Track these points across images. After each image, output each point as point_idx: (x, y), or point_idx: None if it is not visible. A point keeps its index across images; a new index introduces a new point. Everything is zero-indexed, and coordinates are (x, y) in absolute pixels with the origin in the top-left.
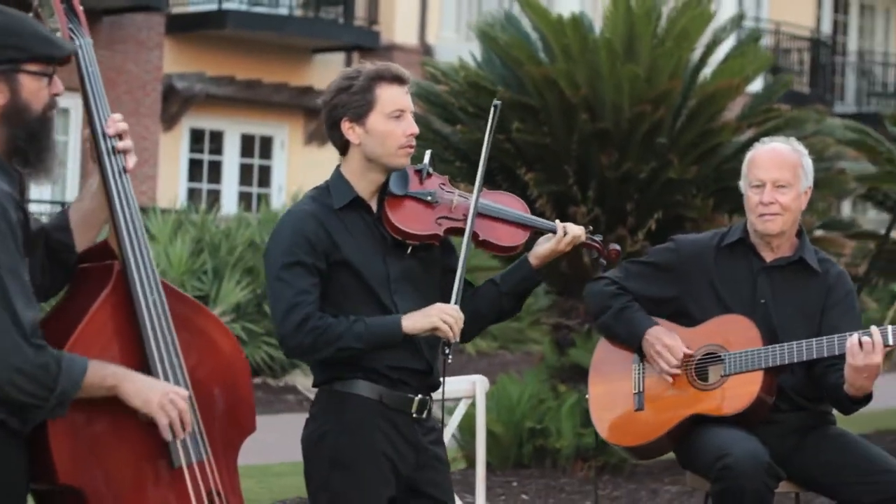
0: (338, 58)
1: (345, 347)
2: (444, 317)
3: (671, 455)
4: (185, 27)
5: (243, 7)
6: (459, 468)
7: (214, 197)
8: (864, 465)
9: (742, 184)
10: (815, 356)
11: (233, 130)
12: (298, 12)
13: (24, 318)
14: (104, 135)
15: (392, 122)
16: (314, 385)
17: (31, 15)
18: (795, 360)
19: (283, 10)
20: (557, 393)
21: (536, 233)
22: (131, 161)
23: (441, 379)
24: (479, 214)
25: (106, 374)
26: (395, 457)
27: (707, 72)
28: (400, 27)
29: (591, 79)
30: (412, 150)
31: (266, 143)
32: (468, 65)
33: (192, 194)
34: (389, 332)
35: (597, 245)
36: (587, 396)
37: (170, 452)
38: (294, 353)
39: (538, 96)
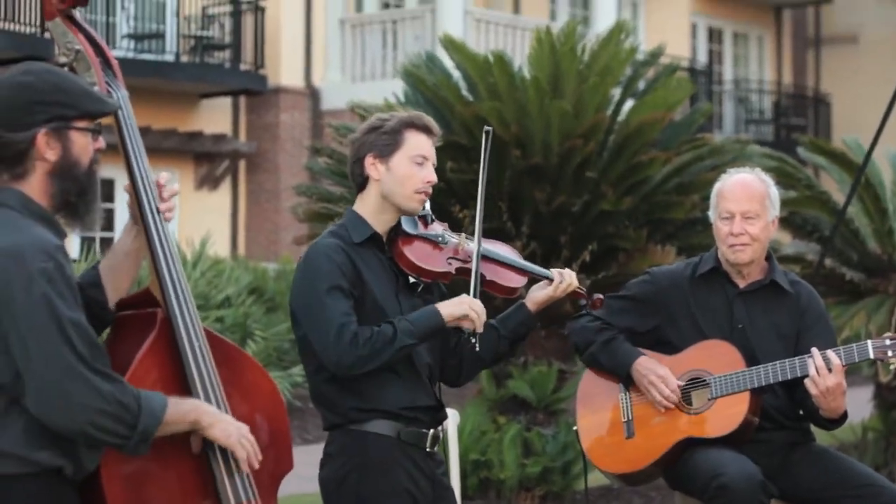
0: (225, 102)
1: (401, 347)
2: (474, 306)
3: (605, 481)
4: None
5: (130, 55)
6: None
7: (107, 245)
8: (849, 479)
9: (711, 214)
10: (798, 374)
11: (124, 178)
12: (185, 58)
13: (96, 361)
14: (144, 186)
15: (414, 166)
16: (327, 428)
17: (66, 69)
18: (780, 379)
19: (170, 57)
20: (498, 425)
21: (532, 280)
22: (170, 213)
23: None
24: (485, 258)
25: (187, 408)
26: (416, 492)
27: (628, 105)
28: (286, 71)
29: (519, 116)
30: (427, 198)
31: None
32: (397, 107)
33: (84, 243)
34: (433, 322)
35: (584, 294)
36: (575, 428)
37: (218, 493)
38: (353, 368)
39: (467, 135)
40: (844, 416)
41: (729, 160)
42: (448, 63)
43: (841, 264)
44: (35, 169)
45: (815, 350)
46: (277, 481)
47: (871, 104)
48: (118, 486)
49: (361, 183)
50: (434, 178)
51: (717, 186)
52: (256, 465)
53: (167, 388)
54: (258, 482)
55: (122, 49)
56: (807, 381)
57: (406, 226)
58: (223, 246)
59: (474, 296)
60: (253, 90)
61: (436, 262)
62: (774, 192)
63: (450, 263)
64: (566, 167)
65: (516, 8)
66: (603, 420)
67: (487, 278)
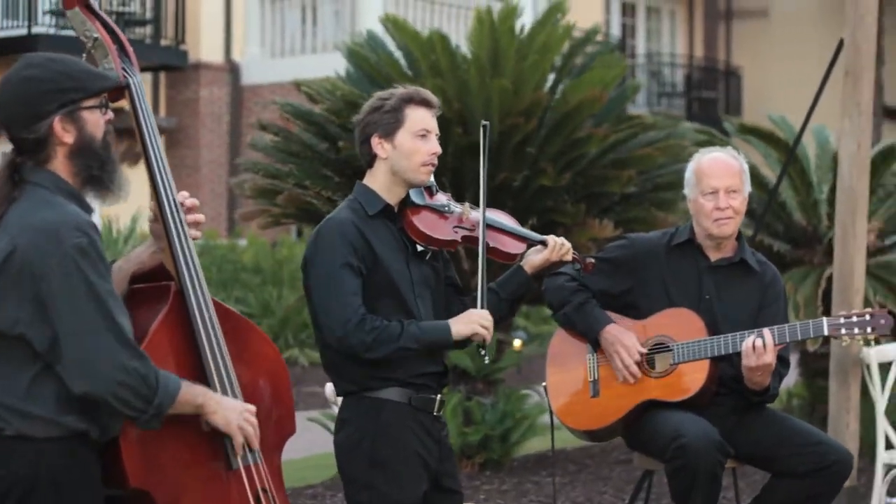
0: (146, 77)
1: (403, 347)
2: (483, 322)
3: (540, 448)
4: None
5: (52, 31)
6: None
7: None
8: (798, 438)
9: (689, 191)
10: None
11: None
12: None
13: (127, 333)
14: (156, 158)
15: (418, 140)
16: (341, 394)
17: (84, 56)
18: (736, 350)
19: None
20: None
21: (529, 245)
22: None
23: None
24: (488, 226)
25: (196, 392)
26: (426, 454)
27: (564, 82)
28: (206, 46)
29: (460, 94)
30: (433, 168)
31: None
32: (341, 84)
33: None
34: (442, 336)
35: (578, 258)
36: (544, 385)
37: (227, 455)
38: (353, 349)
39: None
40: (767, 391)
41: (662, 136)
42: (378, 38)
43: (767, 236)
44: (56, 153)
45: (766, 329)
46: (281, 444)
47: (781, 77)
48: (135, 449)
49: (369, 161)
50: (438, 148)
51: (693, 165)
52: (256, 447)
53: (179, 358)
54: (262, 445)
55: (43, 25)
56: (743, 354)
57: (414, 196)
58: (145, 221)
59: (483, 305)
60: (173, 65)
61: (443, 231)
62: (747, 168)
63: (456, 232)
64: (507, 144)
65: None
66: (571, 379)
67: (491, 246)
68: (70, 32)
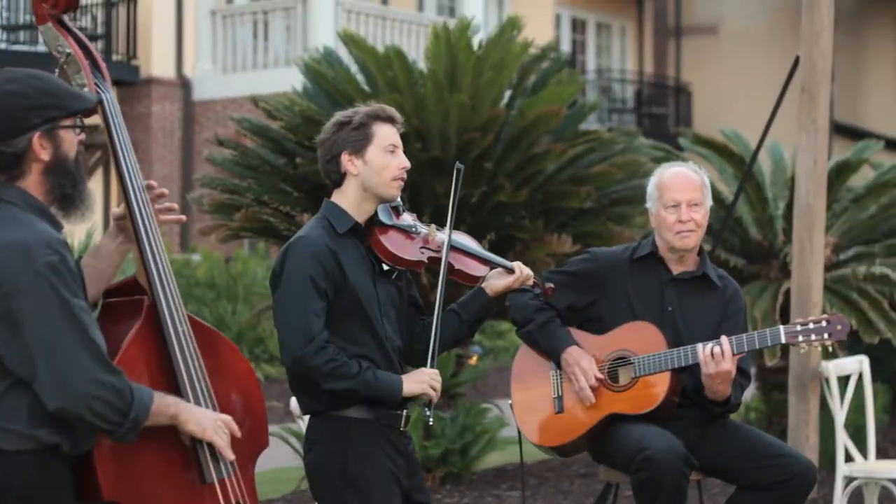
0: None
1: (352, 389)
2: (433, 383)
3: (500, 462)
4: None
5: (3, 46)
6: None
7: None
8: (761, 450)
9: (651, 205)
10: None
11: None
12: None
13: (101, 348)
14: (130, 176)
15: (388, 155)
16: (306, 412)
17: (56, 72)
18: (693, 361)
19: (43, 48)
20: None
21: (491, 267)
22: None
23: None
24: (452, 248)
25: (168, 402)
26: (396, 470)
27: (521, 98)
28: (157, 61)
29: (417, 109)
30: (403, 183)
31: None
32: (299, 100)
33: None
34: (392, 391)
35: (538, 283)
36: (510, 402)
37: (201, 469)
38: (308, 372)
39: None
40: (728, 401)
41: (618, 151)
42: (335, 54)
43: (724, 251)
44: (31, 169)
45: (724, 337)
46: (255, 457)
47: (730, 93)
48: (109, 462)
49: (339, 179)
50: (407, 163)
51: (655, 179)
52: (231, 456)
53: (153, 373)
54: (236, 458)
55: None
56: (701, 361)
57: (382, 216)
58: (97, 236)
59: (433, 363)
60: (125, 81)
61: (410, 252)
62: (709, 182)
63: (422, 252)
64: (464, 159)
65: None
66: (535, 396)
67: (455, 267)
68: (24, 47)
